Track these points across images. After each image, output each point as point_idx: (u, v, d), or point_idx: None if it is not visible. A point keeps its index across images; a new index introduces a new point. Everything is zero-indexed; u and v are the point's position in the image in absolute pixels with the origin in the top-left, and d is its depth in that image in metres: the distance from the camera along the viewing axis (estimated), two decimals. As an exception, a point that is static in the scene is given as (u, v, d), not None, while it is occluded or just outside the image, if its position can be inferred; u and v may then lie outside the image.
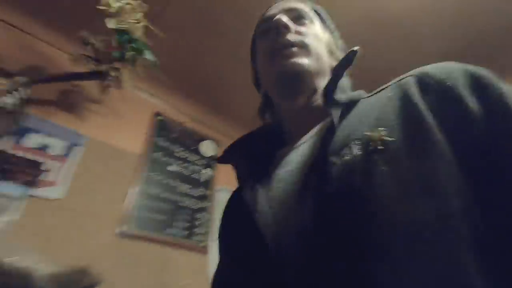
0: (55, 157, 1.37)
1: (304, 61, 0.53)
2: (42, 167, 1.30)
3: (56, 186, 1.30)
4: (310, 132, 0.54)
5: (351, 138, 0.41)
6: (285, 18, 0.56)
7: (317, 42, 0.58)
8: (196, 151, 2.03)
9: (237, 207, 0.53)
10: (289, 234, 0.40)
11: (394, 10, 1.47)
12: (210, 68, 1.83)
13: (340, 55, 0.64)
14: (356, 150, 0.39)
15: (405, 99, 0.39)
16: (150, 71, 1.49)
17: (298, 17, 0.60)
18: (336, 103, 0.47)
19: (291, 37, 0.55)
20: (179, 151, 1.92)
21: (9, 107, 1.26)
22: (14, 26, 1.47)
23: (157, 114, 1.92)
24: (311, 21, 0.61)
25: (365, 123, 0.42)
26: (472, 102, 0.35)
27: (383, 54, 1.66)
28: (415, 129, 0.36)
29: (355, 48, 0.50)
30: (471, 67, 0.40)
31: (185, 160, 1.93)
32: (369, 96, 0.50)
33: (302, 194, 0.42)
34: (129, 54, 1.35)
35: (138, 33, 1.34)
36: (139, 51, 1.36)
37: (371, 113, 0.43)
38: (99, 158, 1.51)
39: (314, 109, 0.55)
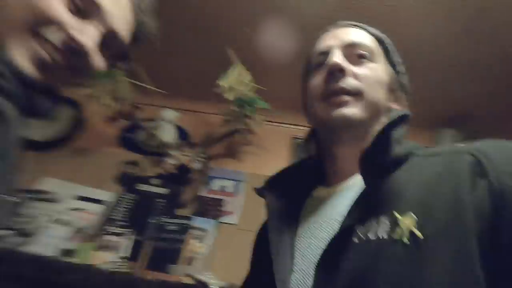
0: (229, 194, 1.98)
1: (353, 111, 0.49)
2: (223, 203, 1.93)
3: (232, 215, 1.88)
4: (351, 179, 0.53)
5: (382, 211, 0.38)
6: (341, 59, 0.50)
7: (376, 86, 0.52)
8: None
9: (265, 240, 0.53)
10: None
11: None
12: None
13: (401, 95, 0.58)
14: (383, 231, 0.36)
15: (454, 189, 0.34)
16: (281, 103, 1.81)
17: (358, 54, 0.53)
18: (375, 167, 0.43)
19: (345, 83, 0.50)
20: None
21: (199, 169, 1.99)
22: (190, 111, 2.25)
23: (294, 137, 2.20)
24: (373, 59, 0.54)
25: (402, 195, 0.38)
26: None
27: None
28: (454, 232, 0.31)
29: (407, 112, 0.46)
30: None
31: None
32: (422, 156, 0.45)
33: (322, 259, 0.41)
34: (247, 110, 1.74)
35: (250, 93, 1.70)
36: (253, 106, 1.72)
37: (411, 185, 0.39)
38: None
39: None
